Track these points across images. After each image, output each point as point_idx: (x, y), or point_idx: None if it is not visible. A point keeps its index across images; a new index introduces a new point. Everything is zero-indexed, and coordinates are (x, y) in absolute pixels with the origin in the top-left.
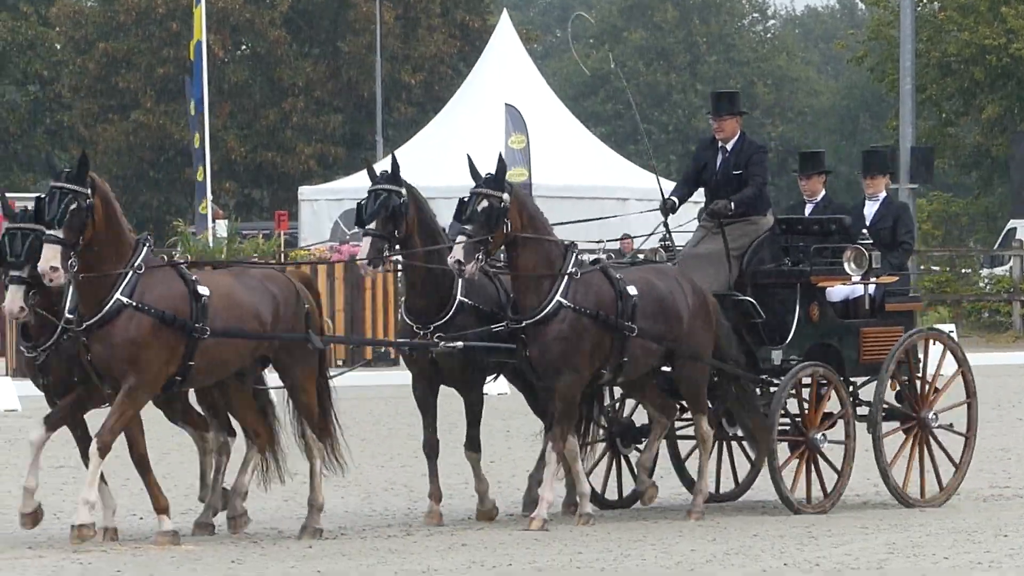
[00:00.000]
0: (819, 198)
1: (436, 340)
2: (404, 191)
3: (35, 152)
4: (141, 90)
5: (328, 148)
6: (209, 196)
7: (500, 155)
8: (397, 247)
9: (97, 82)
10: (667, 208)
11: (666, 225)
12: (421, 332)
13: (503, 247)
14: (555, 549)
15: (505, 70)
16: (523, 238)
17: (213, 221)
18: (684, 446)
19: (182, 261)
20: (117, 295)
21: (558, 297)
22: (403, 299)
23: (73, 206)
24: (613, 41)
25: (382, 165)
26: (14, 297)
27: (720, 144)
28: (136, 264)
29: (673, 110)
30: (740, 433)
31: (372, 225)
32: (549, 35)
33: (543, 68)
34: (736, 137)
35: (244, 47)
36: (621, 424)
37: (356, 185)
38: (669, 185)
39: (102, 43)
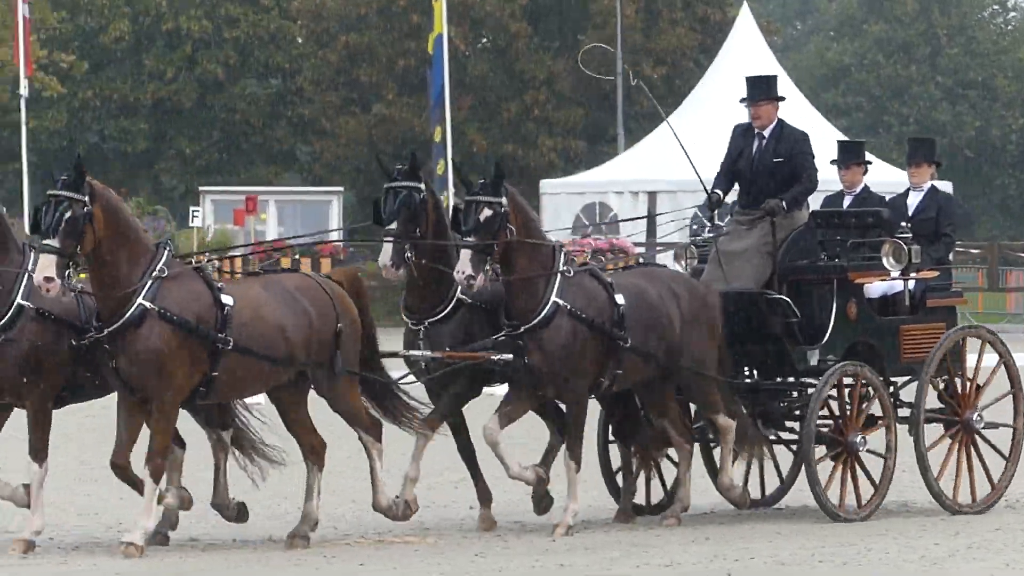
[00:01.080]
0: (858, 189)
1: (489, 354)
2: (423, 187)
3: (277, 145)
4: (382, 83)
5: (569, 142)
6: (451, 189)
7: (496, 162)
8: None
9: (338, 75)
10: (713, 203)
11: (711, 220)
12: (417, 329)
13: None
14: (796, 543)
15: (746, 63)
16: (519, 243)
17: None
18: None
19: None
20: (139, 300)
21: (553, 298)
22: (402, 295)
23: (68, 214)
24: (853, 34)
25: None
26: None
27: (757, 131)
28: (158, 269)
29: (914, 102)
30: (783, 436)
31: (392, 226)
32: (789, 27)
33: (783, 60)
34: (774, 124)
35: (485, 40)
36: (653, 430)
37: (598, 179)
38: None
39: (343, 36)
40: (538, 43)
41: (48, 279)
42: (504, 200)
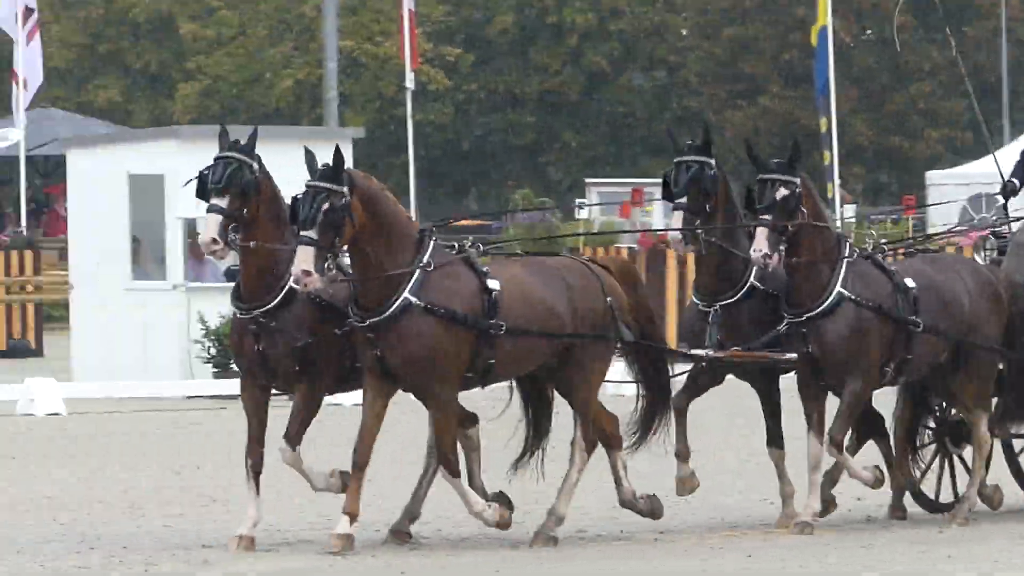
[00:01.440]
0: None
1: (774, 354)
2: (714, 163)
3: (662, 137)
4: (767, 75)
5: (955, 133)
6: (836, 180)
7: (793, 141)
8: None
9: (723, 68)
10: (1007, 191)
11: (1005, 208)
12: (707, 311)
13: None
14: None
15: None
16: (811, 226)
17: (841, 205)
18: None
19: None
20: (405, 294)
21: (838, 288)
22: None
23: (326, 206)
24: None
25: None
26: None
27: None
28: (424, 261)
29: None
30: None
31: (683, 200)
32: None
33: None
34: None
35: (869, 32)
36: (949, 423)
37: (983, 171)
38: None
39: (728, 29)
40: (923, 35)
41: (306, 272)
42: (799, 180)
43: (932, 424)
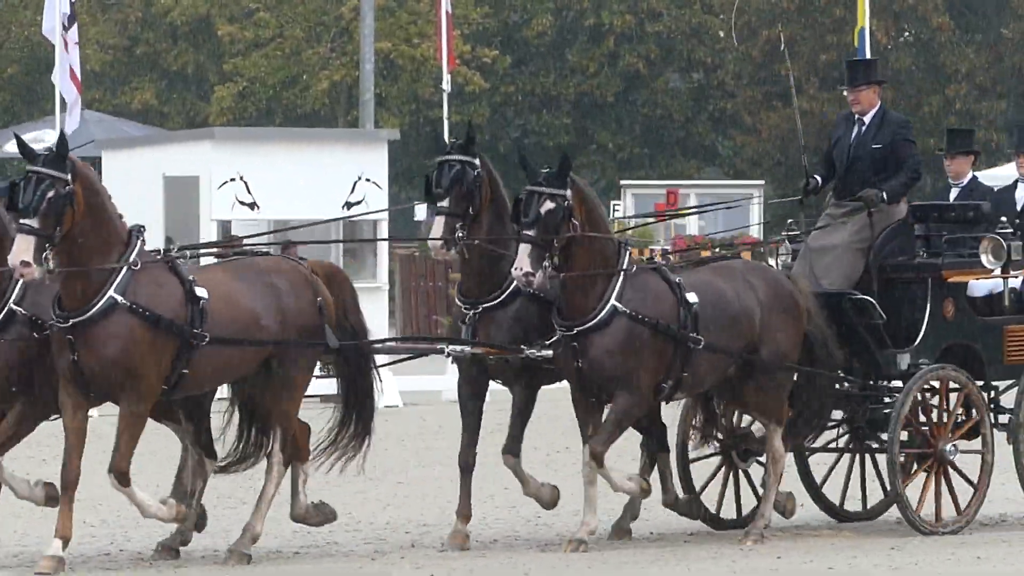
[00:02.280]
0: (965, 180)
1: (523, 347)
2: (478, 163)
3: (698, 139)
4: (804, 77)
5: (990, 135)
6: None
7: (564, 152)
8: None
9: (760, 69)
10: (807, 188)
11: (801, 203)
12: (470, 313)
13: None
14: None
15: None
16: (582, 237)
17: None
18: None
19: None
20: (111, 292)
21: (612, 301)
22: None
23: (50, 194)
24: None
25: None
26: None
27: (857, 117)
28: (132, 259)
29: None
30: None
31: (444, 203)
32: None
33: None
34: (875, 109)
35: (907, 33)
36: (737, 436)
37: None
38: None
39: (765, 31)
40: (960, 36)
41: (25, 263)
42: (568, 192)
43: (719, 436)
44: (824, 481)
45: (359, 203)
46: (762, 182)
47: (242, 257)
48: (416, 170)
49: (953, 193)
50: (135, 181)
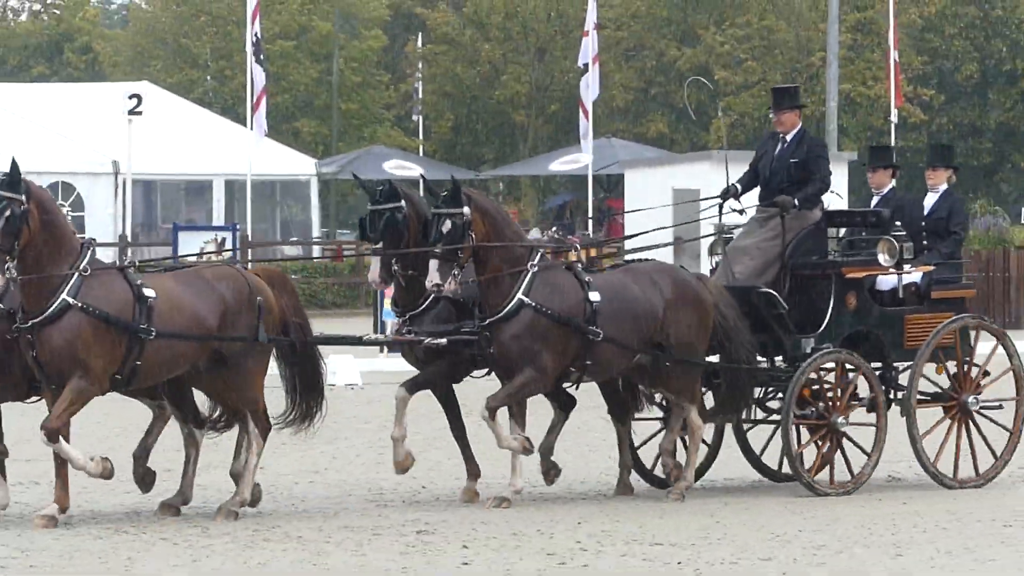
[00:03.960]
0: (886, 191)
1: (419, 337)
2: (404, 206)
3: None
4: None
5: None
6: None
7: (452, 176)
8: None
9: None
10: (727, 192)
11: (720, 208)
12: (400, 320)
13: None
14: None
15: None
16: (487, 246)
17: None
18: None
19: (128, 265)
20: (64, 295)
21: (519, 295)
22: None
23: (7, 213)
24: None
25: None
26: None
27: (781, 135)
28: (82, 267)
29: None
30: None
31: (379, 245)
32: None
33: None
34: (796, 130)
35: None
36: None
37: None
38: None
39: None
40: None
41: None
42: (466, 210)
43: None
44: (763, 450)
45: None
46: None
47: (192, 266)
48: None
49: (874, 201)
50: (650, 192)
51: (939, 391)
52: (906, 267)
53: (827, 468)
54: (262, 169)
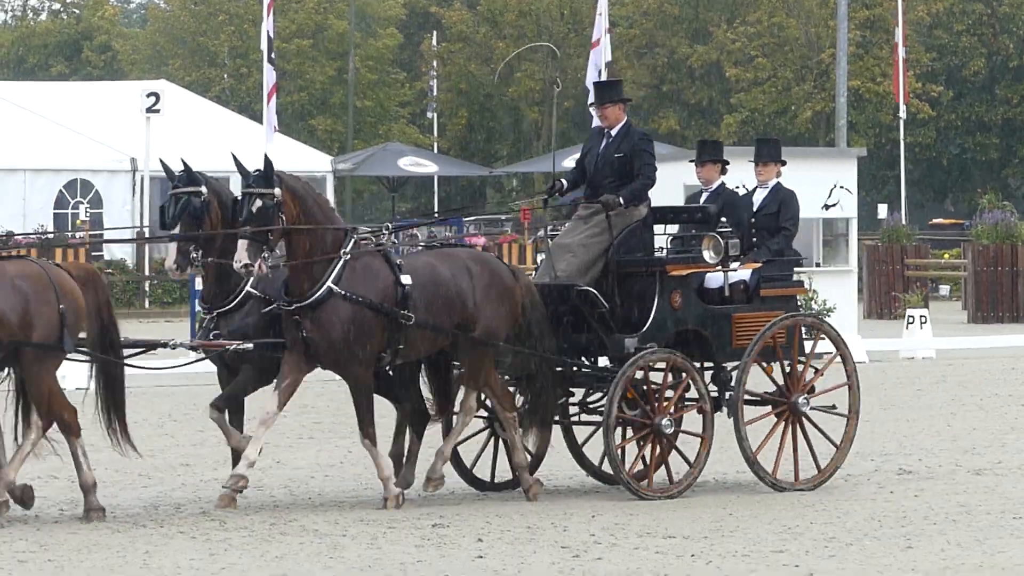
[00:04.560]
0: (714, 186)
1: (226, 345)
2: (205, 190)
3: None
4: None
5: None
6: None
7: (265, 154)
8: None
9: None
10: (552, 189)
11: (545, 203)
12: (208, 317)
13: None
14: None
15: None
16: (298, 229)
17: None
18: (581, 433)
19: None
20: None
21: (329, 283)
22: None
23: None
24: None
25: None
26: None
27: (606, 130)
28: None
29: None
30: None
31: (176, 230)
32: None
33: None
34: (621, 124)
35: None
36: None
37: None
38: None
39: None
40: None
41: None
42: (277, 191)
43: (485, 413)
44: (584, 443)
45: (834, 205)
46: None
47: None
48: (880, 179)
49: (703, 196)
50: (662, 188)
51: (767, 393)
52: (733, 264)
53: (662, 469)
54: (278, 166)
